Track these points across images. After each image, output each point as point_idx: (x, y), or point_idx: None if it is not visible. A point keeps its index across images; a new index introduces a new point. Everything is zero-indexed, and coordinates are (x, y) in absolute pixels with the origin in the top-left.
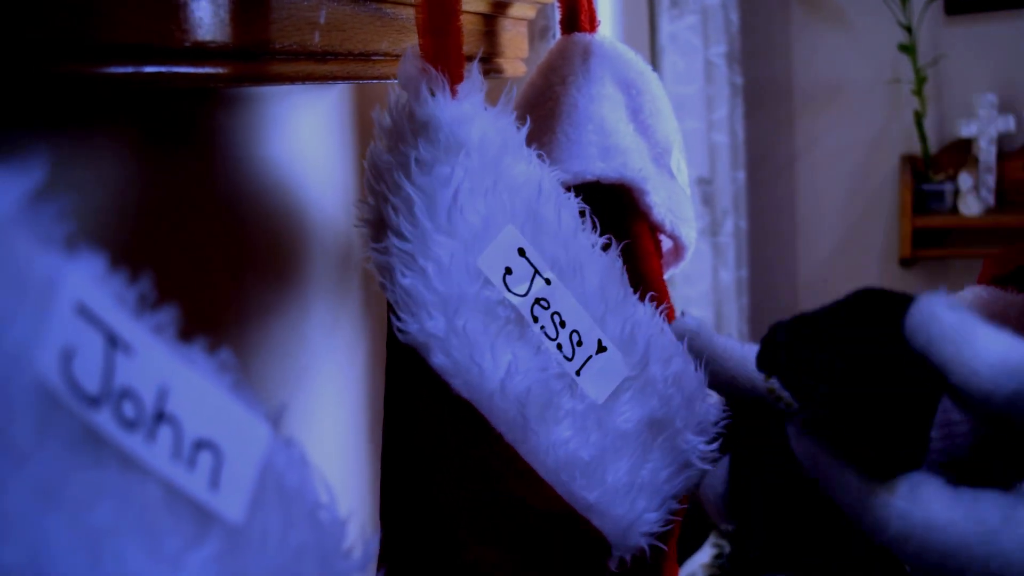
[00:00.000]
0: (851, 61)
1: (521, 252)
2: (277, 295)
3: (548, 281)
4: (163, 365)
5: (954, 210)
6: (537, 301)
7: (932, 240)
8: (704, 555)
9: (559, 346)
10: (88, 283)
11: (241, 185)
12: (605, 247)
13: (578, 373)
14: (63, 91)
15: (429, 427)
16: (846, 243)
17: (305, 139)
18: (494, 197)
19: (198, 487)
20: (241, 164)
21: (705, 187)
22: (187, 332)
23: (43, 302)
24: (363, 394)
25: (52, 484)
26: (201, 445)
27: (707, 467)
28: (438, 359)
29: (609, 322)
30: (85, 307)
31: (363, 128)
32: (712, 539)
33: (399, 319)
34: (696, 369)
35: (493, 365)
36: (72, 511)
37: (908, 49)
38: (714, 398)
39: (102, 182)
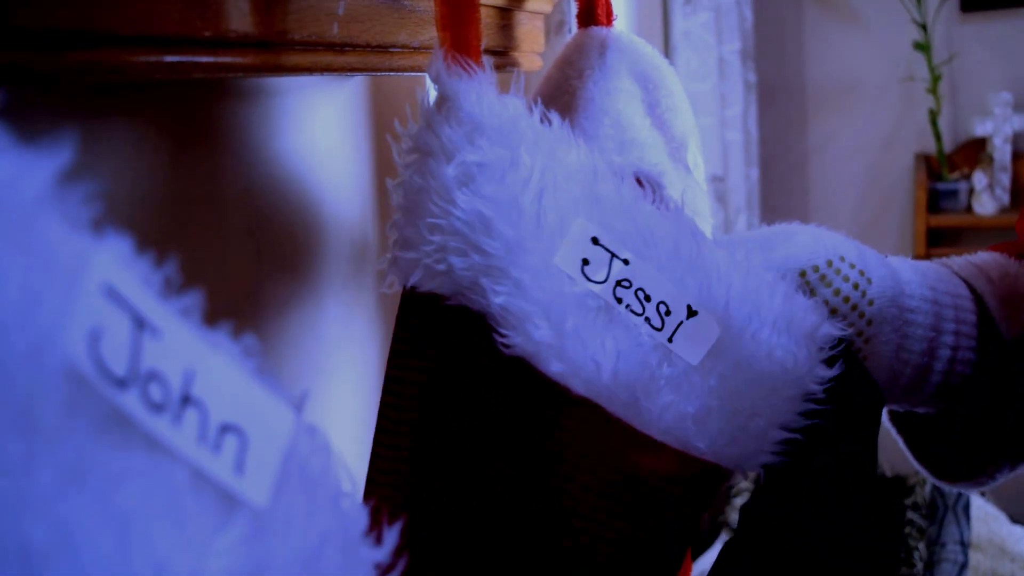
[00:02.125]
0: (865, 59)
1: (595, 241)
2: (293, 287)
3: (626, 261)
4: (189, 349)
5: (968, 209)
6: (619, 283)
7: (946, 239)
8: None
9: (647, 319)
10: (115, 265)
11: (258, 177)
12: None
13: (670, 340)
14: (86, 80)
15: (543, 429)
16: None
17: (321, 132)
18: (564, 191)
19: (223, 471)
20: (258, 156)
21: (718, 185)
22: (208, 321)
23: (71, 283)
24: (377, 386)
25: (80, 465)
26: (226, 429)
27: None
28: (555, 366)
29: (688, 284)
30: (113, 289)
31: (378, 121)
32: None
33: (500, 335)
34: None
35: (605, 357)
36: (100, 493)
37: (923, 47)
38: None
39: (121, 172)
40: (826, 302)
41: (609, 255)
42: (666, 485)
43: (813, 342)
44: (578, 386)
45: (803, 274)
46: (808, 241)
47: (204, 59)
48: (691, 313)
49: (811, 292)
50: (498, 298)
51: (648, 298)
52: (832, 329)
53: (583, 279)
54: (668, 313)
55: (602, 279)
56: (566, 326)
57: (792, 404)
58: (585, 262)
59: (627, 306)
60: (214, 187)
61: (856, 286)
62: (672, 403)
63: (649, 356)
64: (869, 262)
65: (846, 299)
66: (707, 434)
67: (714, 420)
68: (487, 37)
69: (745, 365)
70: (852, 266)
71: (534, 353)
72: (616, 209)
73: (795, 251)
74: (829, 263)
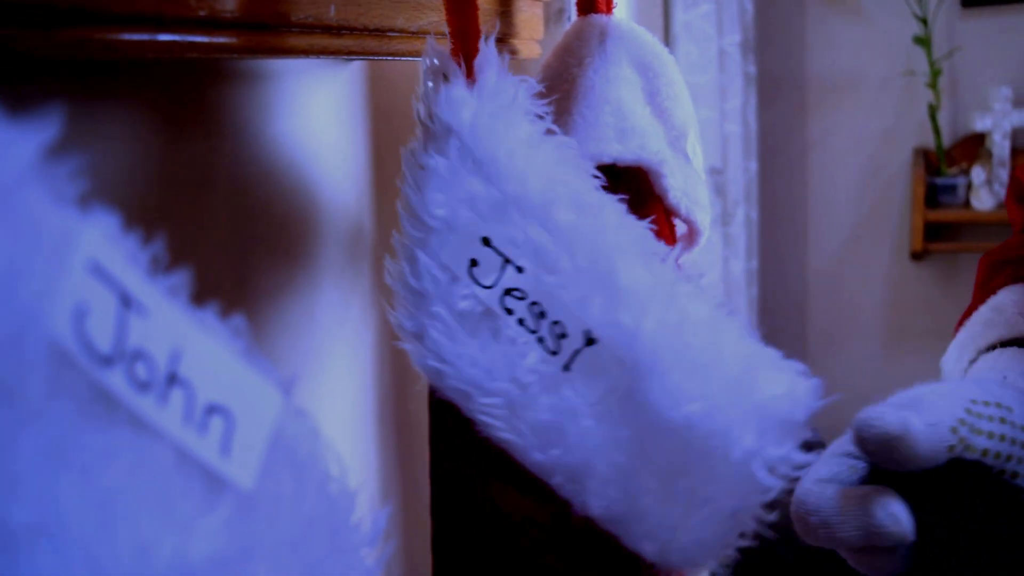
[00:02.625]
0: (865, 53)
1: (486, 241)
2: (287, 273)
3: (520, 269)
4: (176, 328)
5: (967, 204)
6: (508, 292)
7: (944, 234)
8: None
9: (540, 340)
10: (102, 242)
11: (251, 161)
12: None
13: (567, 368)
14: (77, 57)
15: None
16: (857, 236)
17: (317, 117)
18: (459, 187)
19: (209, 452)
20: (252, 140)
21: (717, 177)
22: (196, 302)
23: (56, 259)
24: (372, 373)
25: (63, 444)
26: (213, 410)
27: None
28: (432, 361)
29: (593, 306)
30: (99, 266)
31: (375, 107)
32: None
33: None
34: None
35: (469, 363)
36: (83, 472)
37: (923, 41)
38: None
39: (111, 152)
40: (985, 452)
41: (502, 260)
42: (527, 527)
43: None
44: (447, 385)
45: (954, 430)
46: (935, 402)
47: (198, 39)
48: (589, 341)
49: (969, 448)
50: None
51: (543, 315)
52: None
53: (469, 280)
54: (563, 336)
55: (490, 284)
56: (440, 324)
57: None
58: (474, 263)
59: (519, 320)
60: (206, 169)
61: (1002, 420)
62: (556, 442)
63: (527, 377)
64: (991, 390)
65: (1001, 437)
66: (604, 494)
67: (617, 479)
68: (485, 24)
69: (658, 423)
70: (986, 403)
71: (415, 349)
72: (528, 214)
73: (933, 417)
74: (968, 411)
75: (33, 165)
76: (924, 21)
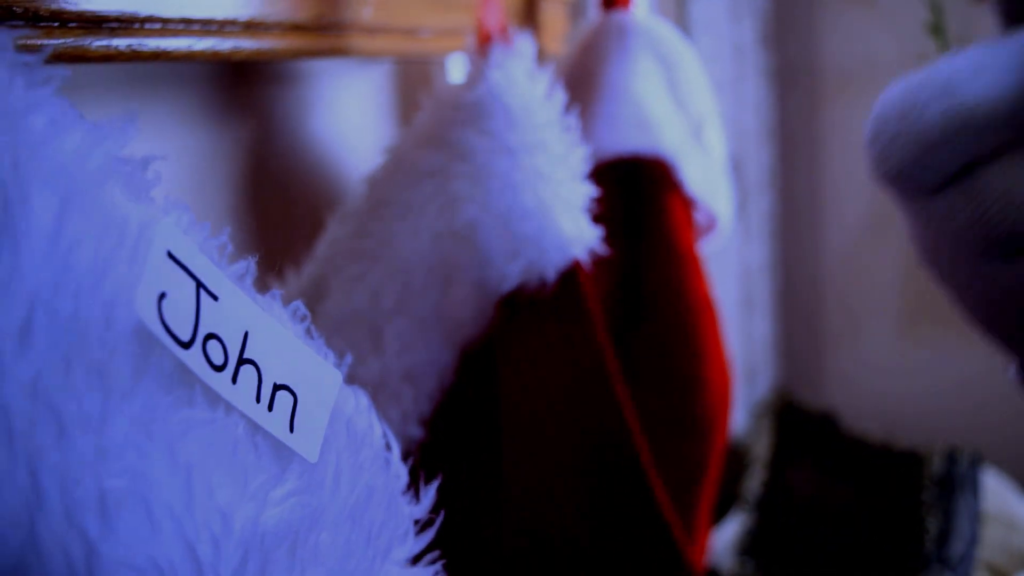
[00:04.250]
0: (879, 41)
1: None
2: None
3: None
4: (245, 312)
5: None
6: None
7: None
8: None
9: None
10: (177, 234)
11: (295, 157)
12: None
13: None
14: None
15: None
16: (873, 225)
17: (347, 117)
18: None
19: (277, 428)
20: (294, 137)
21: (733, 167)
22: (260, 290)
23: (140, 250)
24: None
25: (149, 418)
26: (279, 388)
27: None
28: None
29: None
30: (176, 256)
31: (404, 108)
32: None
33: None
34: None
35: None
36: (167, 445)
37: (937, 29)
38: None
39: (176, 153)
40: None
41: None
42: None
43: None
44: None
45: None
46: None
47: (243, 44)
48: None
49: None
50: None
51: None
52: None
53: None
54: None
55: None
56: None
57: None
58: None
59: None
60: (258, 165)
61: None
62: None
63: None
64: None
65: None
66: None
67: None
68: (511, 21)
69: None
70: None
71: None
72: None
73: None
74: None
75: (113, 163)
76: (938, 9)
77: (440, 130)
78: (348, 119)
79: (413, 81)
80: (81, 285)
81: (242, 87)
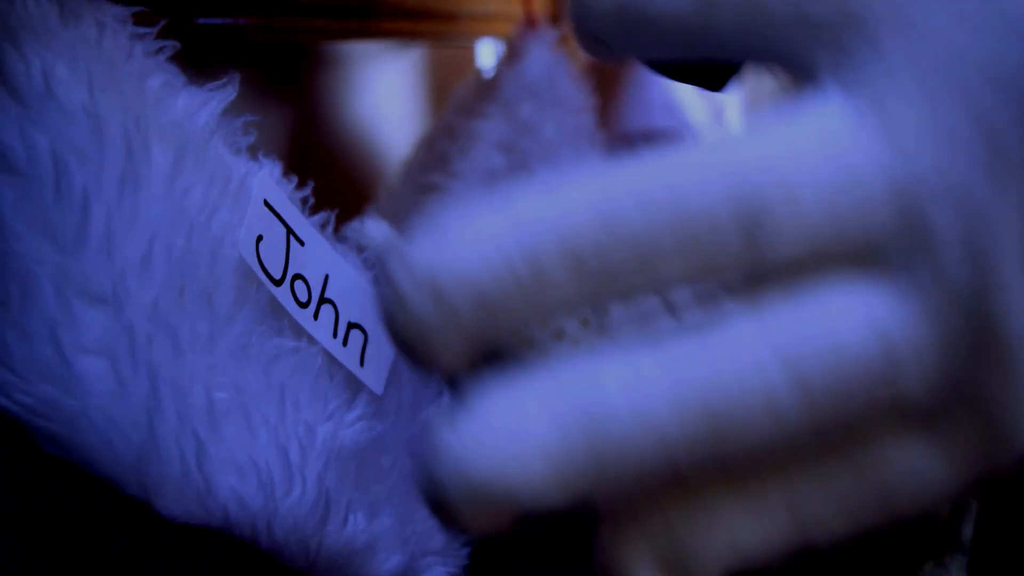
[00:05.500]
0: None
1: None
2: None
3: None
4: (326, 257)
5: None
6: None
7: None
8: None
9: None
10: (272, 184)
11: (331, 139)
12: None
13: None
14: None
15: None
16: None
17: (384, 101)
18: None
19: (350, 361)
20: (339, 118)
21: None
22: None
23: (241, 196)
24: None
25: (247, 343)
26: (353, 327)
27: None
28: None
29: None
30: (269, 203)
31: (438, 93)
32: None
33: None
34: None
35: None
36: (263, 365)
37: None
38: None
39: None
40: None
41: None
42: None
43: None
44: None
45: None
46: None
47: (307, 24)
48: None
49: None
50: None
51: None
52: None
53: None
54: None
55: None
56: None
57: None
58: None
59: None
60: (289, 148)
61: None
62: None
63: None
64: None
65: None
66: None
67: None
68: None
69: None
70: None
71: None
72: None
73: None
74: None
75: (216, 121)
76: None
77: (501, 104)
78: (387, 102)
79: (445, 65)
80: (193, 224)
81: (287, 68)
